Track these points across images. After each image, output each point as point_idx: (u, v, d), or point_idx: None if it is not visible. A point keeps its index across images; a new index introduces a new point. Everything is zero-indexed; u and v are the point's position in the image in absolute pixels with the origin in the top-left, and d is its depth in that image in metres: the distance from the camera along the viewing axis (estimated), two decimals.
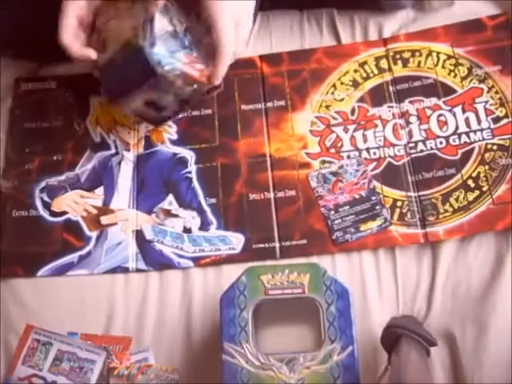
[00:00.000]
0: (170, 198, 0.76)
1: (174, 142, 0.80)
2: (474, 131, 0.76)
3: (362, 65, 0.82)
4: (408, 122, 0.78)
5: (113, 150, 0.80)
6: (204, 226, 0.74)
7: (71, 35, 0.67)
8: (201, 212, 0.75)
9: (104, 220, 0.76)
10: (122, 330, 0.70)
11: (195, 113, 0.81)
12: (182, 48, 0.69)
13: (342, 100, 0.80)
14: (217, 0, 0.67)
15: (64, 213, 0.76)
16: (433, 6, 0.84)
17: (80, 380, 0.67)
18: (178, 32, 0.69)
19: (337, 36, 0.85)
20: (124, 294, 0.72)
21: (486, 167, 0.74)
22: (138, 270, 0.73)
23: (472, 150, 0.75)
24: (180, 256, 0.73)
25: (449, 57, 0.81)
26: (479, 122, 0.77)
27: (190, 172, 0.78)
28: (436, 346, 0.61)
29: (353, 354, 0.59)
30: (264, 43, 0.86)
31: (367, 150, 0.77)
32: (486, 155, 0.75)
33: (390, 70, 0.81)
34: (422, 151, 0.76)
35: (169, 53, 0.67)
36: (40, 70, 0.87)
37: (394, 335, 0.60)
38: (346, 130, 0.78)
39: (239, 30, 0.72)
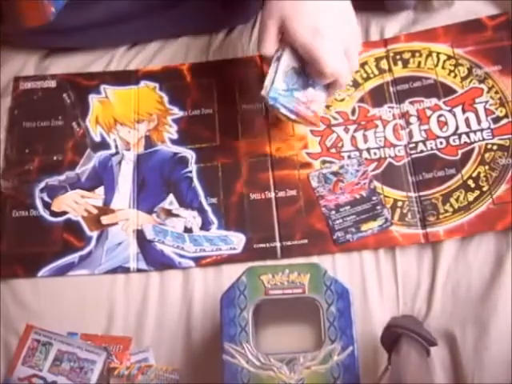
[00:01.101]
0: (171, 197, 0.76)
1: (174, 142, 0.80)
2: (474, 131, 0.76)
3: (363, 65, 0.82)
4: (408, 123, 0.78)
5: (113, 150, 0.80)
6: (205, 225, 0.74)
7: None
8: (201, 212, 0.75)
9: (104, 220, 0.75)
10: (123, 330, 0.70)
11: (195, 112, 0.81)
12: (303, 87, 0.70)
13: (342, 100, 0.80)
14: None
15: (64, 213, 0.76)
16: (433, 6, 0.84)
17: (80, 380, 0.67)
18: (301, 70, 0.70)
19: None
20: (124, 293, 0.72)
21: (486, 167, 0.74)
22: (139, 270, 0.73)
23: (472, 150, 0.75)
24: (181, 256, 0.73)
25: (449, 57, 0.81)
26: (479, 122, 0.77)
27: (190, 171, 0.78)
28: (436, 346, 0.61)
29: (353, 354, 0.59)
30: None
31: (368, 150, 0.77)
32: (486, 155, 0.75)
33: (390, 70, 0.81)
34: (422, 151, 0.76)
35: (288, 90, 0.69)
36: (39, 68, 0.86)
37: (394, 335, 0.60)
38: (346, 130, 0.78)
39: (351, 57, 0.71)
